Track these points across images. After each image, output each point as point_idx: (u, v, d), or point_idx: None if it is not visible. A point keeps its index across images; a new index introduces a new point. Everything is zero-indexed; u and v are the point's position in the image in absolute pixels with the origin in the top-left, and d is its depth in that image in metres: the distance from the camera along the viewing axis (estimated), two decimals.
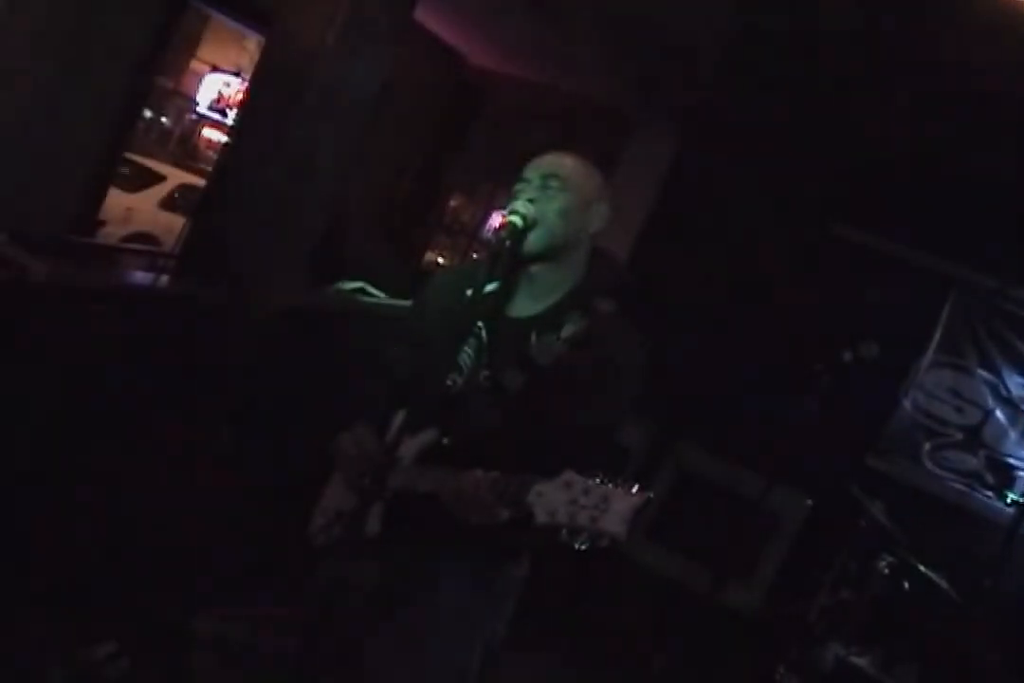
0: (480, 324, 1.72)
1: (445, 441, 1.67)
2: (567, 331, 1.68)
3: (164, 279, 3.17)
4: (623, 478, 1.33)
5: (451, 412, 1.68)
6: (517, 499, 1.41)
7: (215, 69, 9.82)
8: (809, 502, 4.45)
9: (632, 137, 5.69)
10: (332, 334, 3.64)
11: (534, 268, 1.71)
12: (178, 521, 2.84)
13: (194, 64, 10.55)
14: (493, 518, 1.49)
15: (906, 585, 3.38)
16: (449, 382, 1.71)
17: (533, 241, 1.66)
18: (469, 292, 1.67)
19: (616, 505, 1.29)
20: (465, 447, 1.65)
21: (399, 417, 1.78)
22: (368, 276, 4.39)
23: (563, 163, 1.73)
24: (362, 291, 4.31)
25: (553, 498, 1.34)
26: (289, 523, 1.92)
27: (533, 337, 1.69)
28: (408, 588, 1.74)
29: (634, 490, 1.31)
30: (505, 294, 1.74)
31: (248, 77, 7.78)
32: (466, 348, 1.72)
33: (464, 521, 1.52)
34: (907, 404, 4.69)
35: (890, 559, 3.41)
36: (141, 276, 3.32)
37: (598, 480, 1.33)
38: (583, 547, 1.31)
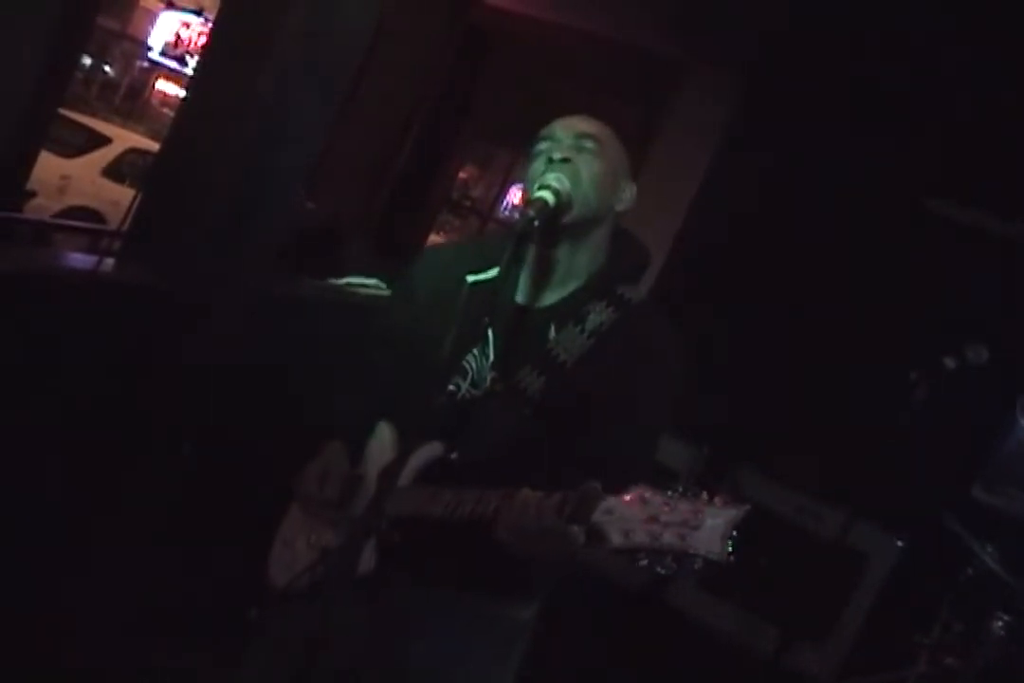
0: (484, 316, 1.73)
1: (453, 457, 1.69)
2: (592, 323, 1.71)
3: (108, 263, 3.18)
4: (706, 490, 1.33)
5: (458, 423, 1.70)
6: (581, 520, 1.40)
7: (171, 5, 9.86)
8: (900, 544, 4.41)
9: (679, 93, 5.66)
10: (309, 331, 3.64)
11: (553, 249, 1.73)
12: (124, 552, 2.84)
13: None
14: (571, 547, 1.44)
15: None
16: (452, 387, 1.73)
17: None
18: (471, 278, 1.69)
19: (710, 520, 1.30)
20: (478, 463, 1.66)
21: (382, 432, 1.79)
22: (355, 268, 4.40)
23: (597, 125, 1.78)
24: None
25: (627, 515, 1.34)
26: (257, 561, 1.92)
27: (552, 331, 1.71)
28: (395, 636, 1.74)
29: (727, 502, 1.32)
30: (516, 280, 1.76)
31: (212, 16, 7.82)
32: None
33: (527, 558, 1.52)
34: None
35: (1006, 618, 3.37)
36: (80, 259, 3.34)
37: (672, 493, 1.33)
38: (666, 572, 1.32)
